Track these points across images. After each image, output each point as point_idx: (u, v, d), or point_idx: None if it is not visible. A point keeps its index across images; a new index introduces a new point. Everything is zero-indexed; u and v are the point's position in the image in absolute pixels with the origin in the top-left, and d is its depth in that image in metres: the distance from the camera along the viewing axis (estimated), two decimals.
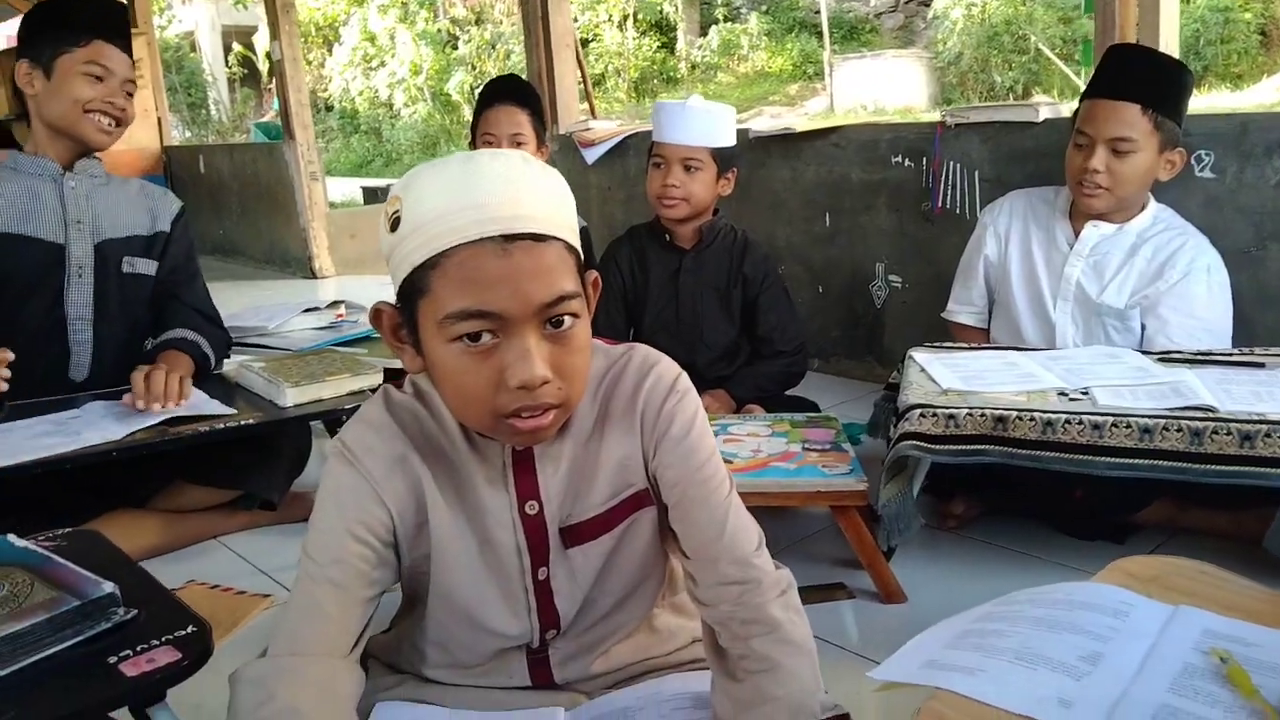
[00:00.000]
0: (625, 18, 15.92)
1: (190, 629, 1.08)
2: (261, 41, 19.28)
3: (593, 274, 1.04)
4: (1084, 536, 2.04)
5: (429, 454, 1.06)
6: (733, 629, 1.03)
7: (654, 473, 1.10)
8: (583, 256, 1.01)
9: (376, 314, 1.03)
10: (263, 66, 19.20)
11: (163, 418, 1.82)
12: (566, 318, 0.95)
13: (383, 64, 16.26)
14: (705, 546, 1.06)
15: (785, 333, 2.39)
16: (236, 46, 19.38)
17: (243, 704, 0.94)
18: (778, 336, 2.38)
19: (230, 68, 19.42)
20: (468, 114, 15.53)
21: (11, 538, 1.24)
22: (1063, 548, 2.00)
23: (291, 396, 1.91)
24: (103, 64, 2.03)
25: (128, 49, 2.10)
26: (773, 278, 2.40)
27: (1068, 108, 2.64)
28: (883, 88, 12.39)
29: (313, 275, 5.88)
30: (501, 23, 16.90)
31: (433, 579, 1.09)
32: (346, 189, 10.19)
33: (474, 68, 15.95)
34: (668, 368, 1.11)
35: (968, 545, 2.04)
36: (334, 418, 2.01)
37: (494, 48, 16.09)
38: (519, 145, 2.64)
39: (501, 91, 2.69)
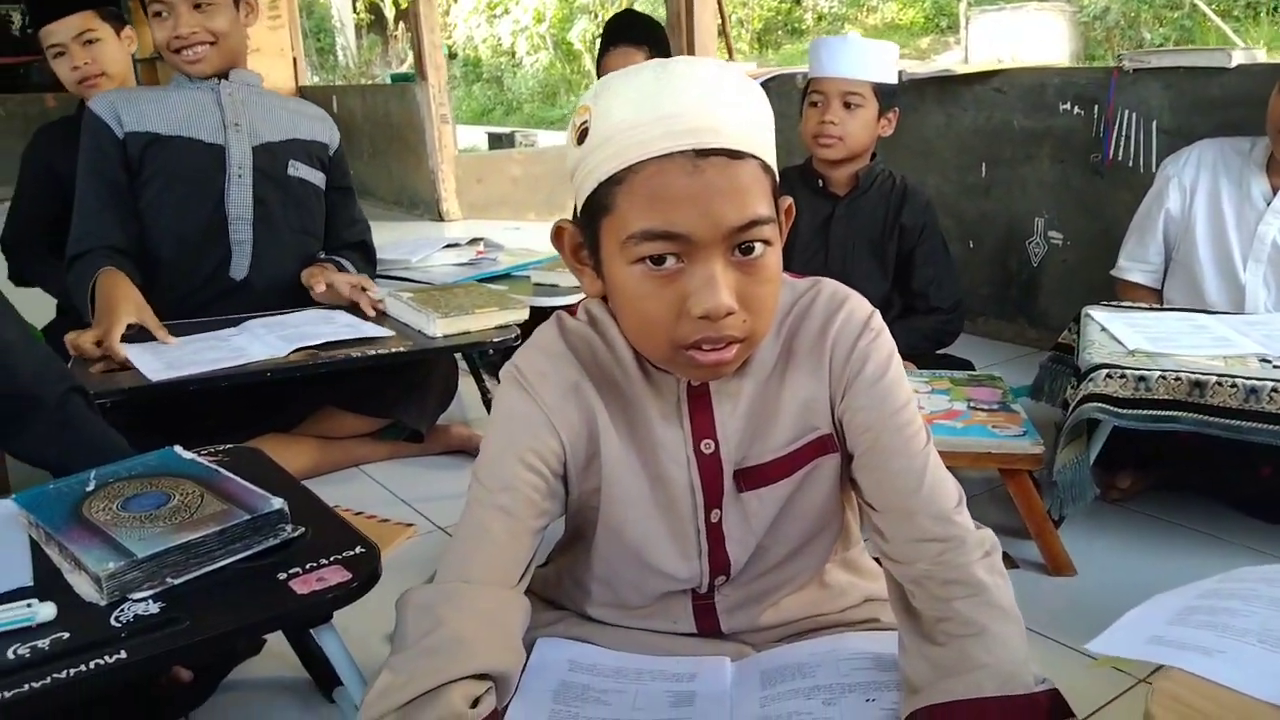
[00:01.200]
0: None
1: (358, 550, 1.05)
2: None
3: (786, 200, 0.96)
4: (1268, 518, 1.87)
5: (602, 384, 1.01)
6: (930, 589, 0.95)
7: (841, 417, 1.02)
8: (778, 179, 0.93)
9: (558, 232, 0.98)
10: (389, 13, 19.49)
11: (320, 340, 1.83)
12: (758, 244, 0.87)
13: (506, 11, 16.28)
14: (901, 499, 0.98)
15: (942, 288, 2.26)
16: None
17: (410, 630, 0.91)
18: (933, 292, 2.25)
19: (358, 14, 19.75)
20: (588, 62, 15.47)
21: (178, 449, 1.24)
22: (1242, 528, 1.85)
23: (440, 327, 1.89)
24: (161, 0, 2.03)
25: None
26: (931, 229, 2.26)
27: (1263, 54, 2.41)
28: (1021, 42, 11.79)
29: (440, 218, 5.93)
30: None
31: (601, 514, 1.04)
32: (469, 137, 10.25)
33: (596, 15, 15.83)
34: (860, 304, 1.03)
35: (1137, 519, 1.90)
36: (480, 351, 1.98)
37: None
38: None
39: (622, 31, 2.63)
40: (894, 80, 2.22)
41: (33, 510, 1.08)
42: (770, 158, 0.92)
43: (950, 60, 12.79)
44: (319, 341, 1.83)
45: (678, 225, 0.85)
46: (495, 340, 1.92)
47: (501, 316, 1.96)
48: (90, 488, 1.12)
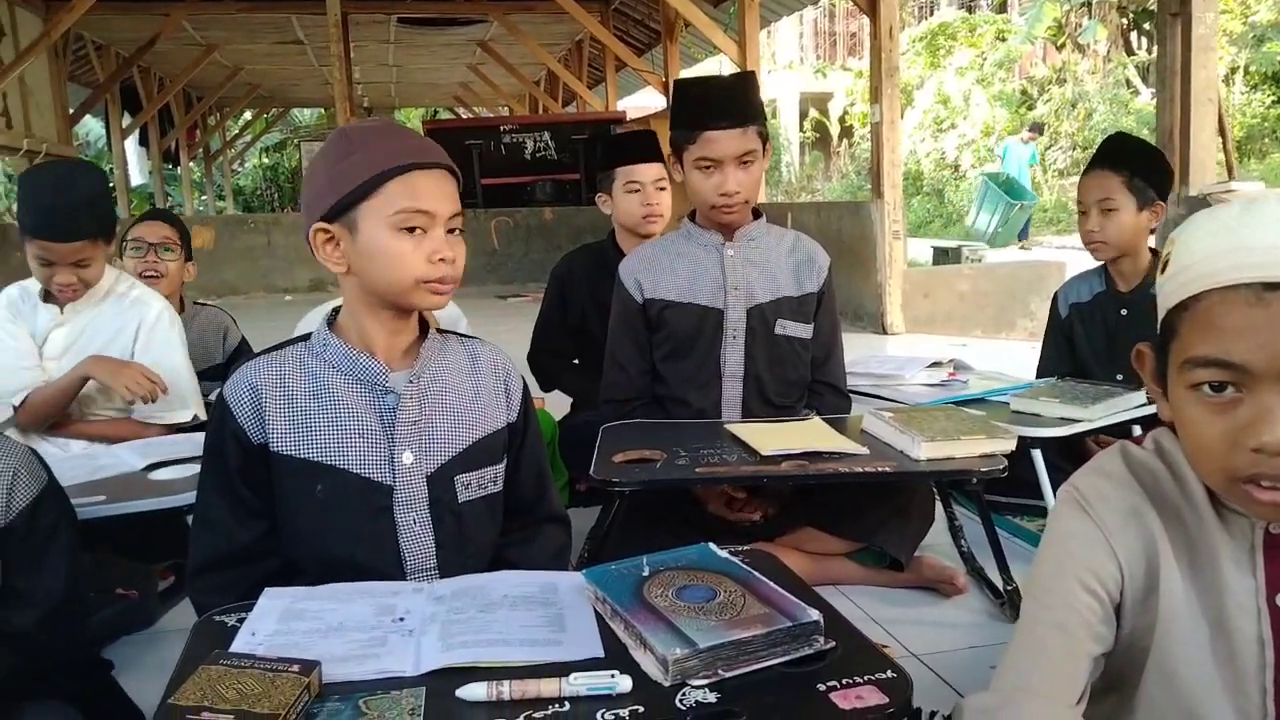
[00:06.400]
0: (1234, 71, 14.18)
1: (890, 674, 1.08)
2: (836, 109, 20.43)
3: None
4: None
5: (1167, 515, 0.99)
6: None
7: None
8: None
9: (1139, 355, 1.01)
10: (834, 130, 20.32)
11: (804, 450, 1.91)
12: None
13: (953, 126, 16.26)
14: None
15: None
16: (813, 113, 20.75)
17: None
18: None
19: (804, 132, 20.85)
20: (1039, 174, 14.92)
21: (713, 546, 1.37)
22: None
23: (926, 450, 1.89)
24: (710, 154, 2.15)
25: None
26: None
27: None
28: None
29: (883, 331, 5.99)
30: (1083, 80, 16.02)
31: (1153, 656, 1.00)
32: (911, 249, 10.29)
33: (1046, 128, 15.30)
34: None
35: None
36: (963, 479, 1.96)
37: (1074, 106, 15.29)
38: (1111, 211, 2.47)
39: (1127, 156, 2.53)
40: None
41: (601, 586, 1.24)
42: None
43: None
44: (800, 451, 1.91)
45: (1234, 354, 0.85)
46: (981, 470, 1.88)
47: (988, 445, 1.92)
48: (645, 573, 1.27)
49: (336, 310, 1.51)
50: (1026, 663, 0.99)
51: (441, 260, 1.38)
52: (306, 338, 1.49)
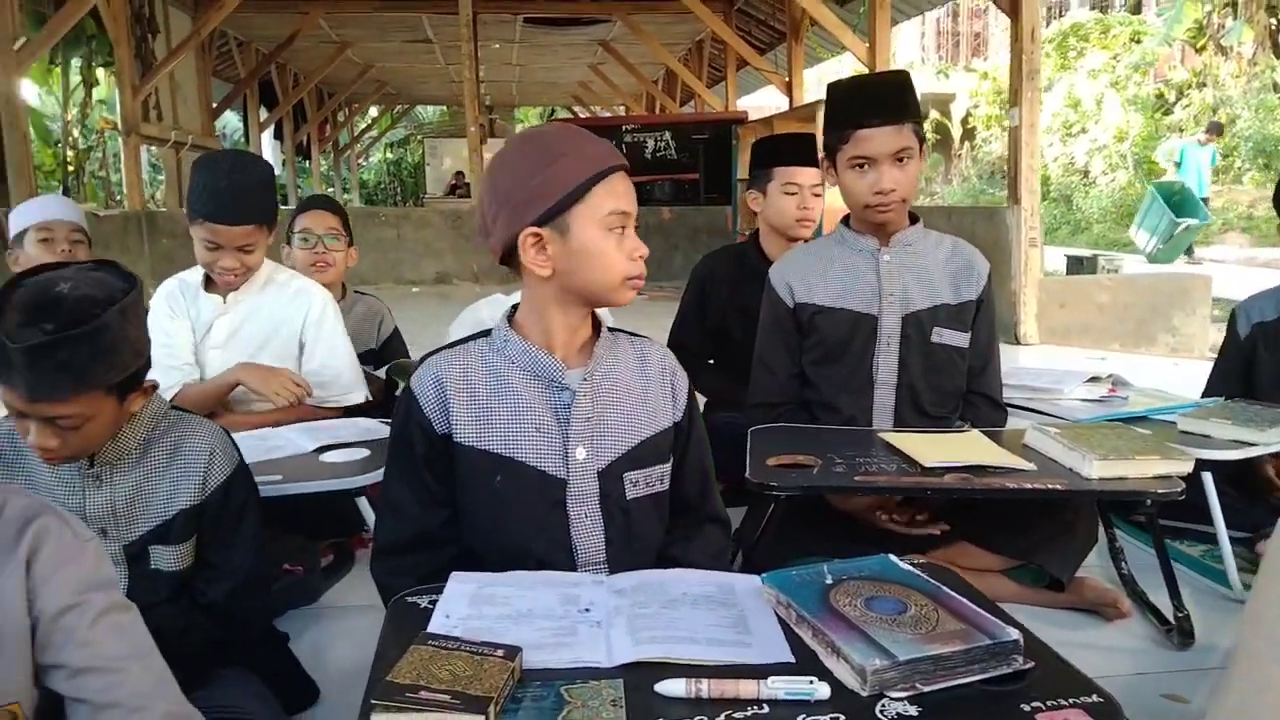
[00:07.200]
0: None
1: (1096, 698, 1.05)
2: (958, 110, 19.94)
3: None
4: None
5: None
6: None
7: None
8: None
9: None
10: (955, 133, 19.84)
11: (968, 463, 1.87)
12: None
13: (1084, 130, 15.68)
14: None
15: None
16: (933, 114, 20.29)
17: None
18: None
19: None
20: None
21: (893, 558, 1.35)
22: None
23: (1098, 469, 1.83)
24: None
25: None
26: None
27: None
28: None
29: (1016, 341, 5.81)
30: (1226, 84, 15.27)
31: None
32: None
33: (1183, 132, 14.62)
34: None
35: None
36: (1136, 501, 1.89)
37: (1215, 112, 14.57)
38: None
39: None
40: None
41: (785, 592, 1.24)
42: None
43: None
44: (965, 464, 1.87)
45: None
46: (1157, 491, 1.81)
47: (1164, 466, 1.85)
48: (829, 580, 1.26)
49: (514, 308, 1.54)
50: (1252, 701, 0.94)
51: (640, 257, 1.45)
52: (488, 333, 1.53)
